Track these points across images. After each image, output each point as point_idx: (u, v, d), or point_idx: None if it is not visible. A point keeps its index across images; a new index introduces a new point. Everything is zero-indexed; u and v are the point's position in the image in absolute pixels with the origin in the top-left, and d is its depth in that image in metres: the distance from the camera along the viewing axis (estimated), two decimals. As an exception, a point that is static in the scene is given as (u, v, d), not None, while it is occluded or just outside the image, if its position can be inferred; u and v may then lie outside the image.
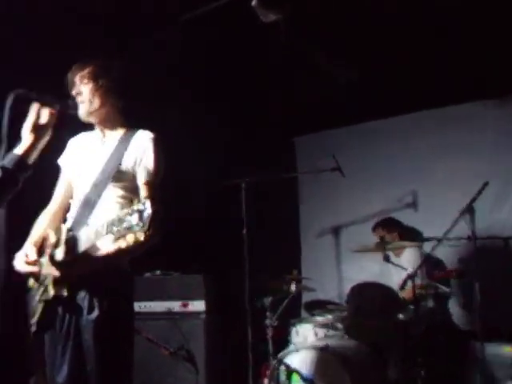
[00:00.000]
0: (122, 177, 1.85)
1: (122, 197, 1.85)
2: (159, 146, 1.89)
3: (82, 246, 1.65)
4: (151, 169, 1.84)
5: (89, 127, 1.98)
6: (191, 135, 3.27)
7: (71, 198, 1.97)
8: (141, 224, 1.34)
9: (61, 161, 2.06)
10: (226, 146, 3.72)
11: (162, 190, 1.84)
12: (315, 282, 3.48)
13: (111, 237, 1.47)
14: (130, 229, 1.36)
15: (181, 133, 3.06)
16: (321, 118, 4.04)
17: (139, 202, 1.37)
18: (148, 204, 1.33)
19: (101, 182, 1.84)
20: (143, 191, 1.83)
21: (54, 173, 2.03)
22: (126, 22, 2.65)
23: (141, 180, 1.85)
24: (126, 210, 1.39)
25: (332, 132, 4.41)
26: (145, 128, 1.94)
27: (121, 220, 1.39)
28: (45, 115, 1.71)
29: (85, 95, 1.88)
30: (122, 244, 1.62)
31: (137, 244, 1.55)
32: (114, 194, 1.84)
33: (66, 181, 2.01)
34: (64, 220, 1.90)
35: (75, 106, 1.87)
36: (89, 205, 1.83)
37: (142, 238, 1.35)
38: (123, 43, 2.67)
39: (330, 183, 4.19)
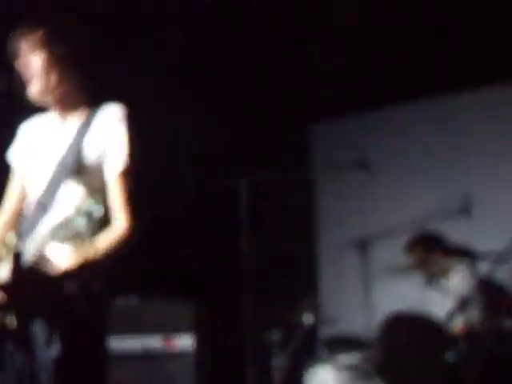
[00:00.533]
0: (84, 171, 1.82)
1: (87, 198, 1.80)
2: (132, 125, 1.85)
3: (28, 258, 1.64)
4: (121, 158, 1.81)
5: (44, 109, 1.95)
6: (190, 134, 3.54)
7: (25, 200, 1.95)
8: (89, 228, 1.40)
9: (10, 154, 2.02)
10: (227, 140, 3.93)
11: (136, 187, 1.83)
12: (336, 311, 3.55)
13: (57, 244, 1.50)
14: (77, 234, 1.42)
15: (180, 132, 3.40)
16: (342, 101, 4.08)
17: (91, 199, 1.43)
18: (98, 204, 1.39)
19: (56, 179, 1.82)
20: (111, 188, 1.80)
21: (3, 170, 2.02)
22: (126, 22, 3.00)
23: (108, 174, 1.82)
24: (74, 212, 1.44)
25: (357, 118, 4.39)
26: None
27: (68, 223, 1.43)
28: None
29: (35, 68, 1.83)
30: (78, 254, 1.61)
31: (95, 254, 1.59)
32: (74, 194, 1.80)
33: (20, 180, 1.98)
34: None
35: (23, 83, 1.82)
36: (42, 209, 1.80)
37: (90, 247, 1.41)
38: (123, 43, 2.99)
39: (354, 183, 4.20)
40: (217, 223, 3.93)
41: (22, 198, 1.95)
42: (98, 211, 1.41)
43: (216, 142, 3.77)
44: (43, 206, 1.80)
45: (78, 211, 1.43)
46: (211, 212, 3.96)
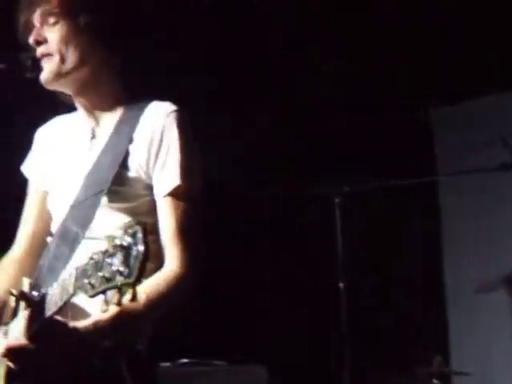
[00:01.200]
0: (125, 191, 1.84)
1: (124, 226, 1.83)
2: (189, 126, 1.87)
3: (51, 310, 1.61)
4: (177, 167, 1.82)
5: (70, 107, 1.99)
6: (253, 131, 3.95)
7: (48, 229, 1.98)
8: (126, 272, 1.33)
9: (26, 167, 2.08)
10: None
11: (195, 211, 1.83)
12: (479, 381, 3.47)
13: (84, 296, 1.45)
14: (109, 280, 1.35)
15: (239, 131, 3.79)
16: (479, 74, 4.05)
17: (127, 230, 1.35)
18: (139, 234, 1.33)
19: (86, 201, 1.83)
20: (160, 213, 1.82)
21: (19, 187, 2.07)
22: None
23: (159, 190, 1.84)
24: (105, 248, 1.38)
25: (498, 97, 4.30)
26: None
27: (97, 265, 1.38)
28: None
29: (52, 45, 1.86)
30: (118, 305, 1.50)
31: (140, 305, 1.61)
32: (113, 222, 1.75)
33: (38, 200, 2.03)
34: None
35: (36, 65, 1.85)
36: (68, 241, 1.82)
37: (128, 295, 1.34)
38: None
39: (498, 192, 4.12)
40: (303, 254, 4.01)
41: (44, 225, 2.00)
42: (137, 246, 1.32)
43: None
44: (69, 237, 1.82)
45: (110, 245, 1.37)
46: (297, 241, 4.02)
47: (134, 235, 1.32)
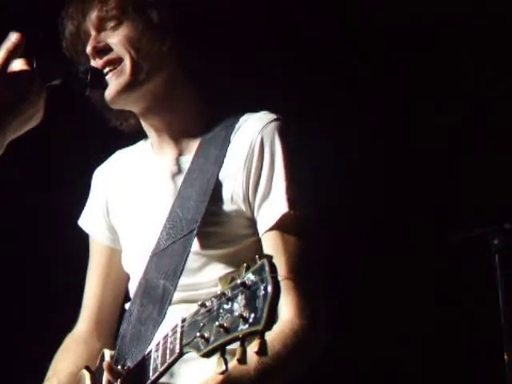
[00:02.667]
0: (222, 231, 1.70)
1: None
2: (296, 137, 1.73)
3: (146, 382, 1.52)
4: (282, 190, 1.67)
5: (138, 134, 1.85)
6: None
7: (121, 294, 1.91)
8: (251, 317, 1.19)
9: (85, 220, 1.98)
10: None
11: (315, 239, 1.69)
12: None
13: (196, 356, 1.31)
14: (229, 331, 1.23)
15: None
16: None
17: (249, 267, 1.23)
18: (265, 269, 1.18)
19: (172, 246, 1.71)
20: (269, 248, 1.64)
21: (82, 246, 1.99)
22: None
23: (263, 222, 1.67)
24: (220, 291, 1.26)
25: None
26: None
27: (211, 313, 1.28)
28: (18, 60, 1.36)
29: (119, 49, 1.70)
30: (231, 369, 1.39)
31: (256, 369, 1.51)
32: (210, 275, 1.71)
33: (104, 259, 1.95)
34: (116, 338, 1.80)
35: (100, 80, 1.68)
36: (154, 299, 1.70)
37: (255, 347, 1.19)
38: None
39: None
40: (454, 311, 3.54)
41: (115, 291, 1.91)
42: (264, 283, 1.18)
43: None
44: (153, 291, 1.69)
45: (227, 286, 1.24)
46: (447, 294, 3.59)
47: (258, 271, 1.19)
